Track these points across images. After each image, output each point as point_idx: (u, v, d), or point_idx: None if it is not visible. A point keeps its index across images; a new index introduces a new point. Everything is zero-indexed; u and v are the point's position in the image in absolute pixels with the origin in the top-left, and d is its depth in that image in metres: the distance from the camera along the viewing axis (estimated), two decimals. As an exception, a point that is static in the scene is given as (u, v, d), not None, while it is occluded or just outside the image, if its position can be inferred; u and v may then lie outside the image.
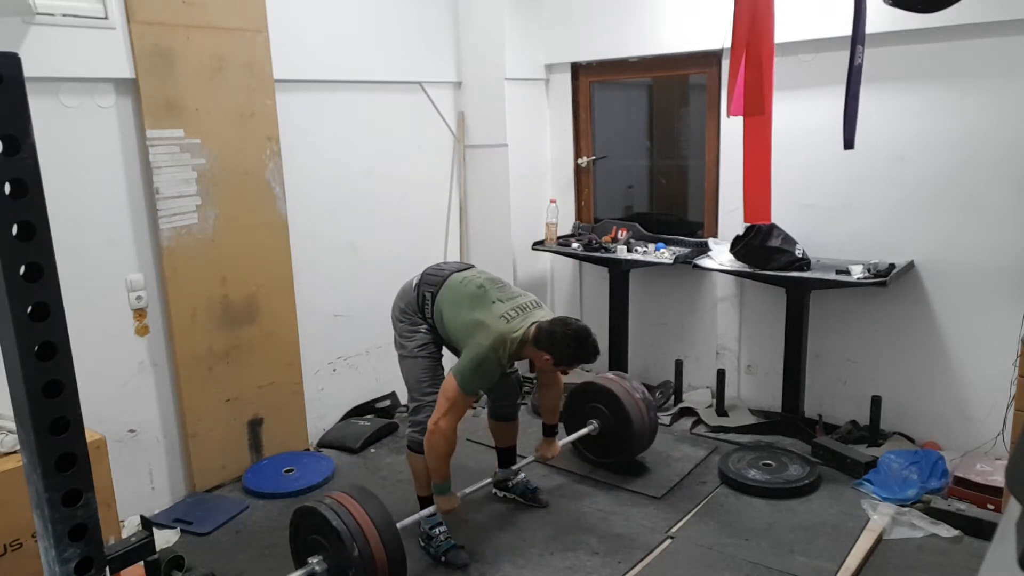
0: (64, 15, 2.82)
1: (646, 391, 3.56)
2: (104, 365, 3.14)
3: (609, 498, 3.35)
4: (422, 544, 2.97)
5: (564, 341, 2.69)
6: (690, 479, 3.48)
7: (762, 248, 3.59)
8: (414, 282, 3.03)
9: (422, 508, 3.00)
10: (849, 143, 2.74)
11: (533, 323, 2.77)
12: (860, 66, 2.66)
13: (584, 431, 3.50)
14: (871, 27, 2.69)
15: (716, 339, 4.24)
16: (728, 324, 4.17)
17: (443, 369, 3.01)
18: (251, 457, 3.67)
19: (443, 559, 2.88)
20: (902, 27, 3.21)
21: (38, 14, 2.74)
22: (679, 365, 4.20)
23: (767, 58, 2.71)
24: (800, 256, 3.56)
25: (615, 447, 3.51)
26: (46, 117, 2.85)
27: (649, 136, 4.83)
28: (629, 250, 4.19)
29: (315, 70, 3.78)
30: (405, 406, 4.21)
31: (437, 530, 2.94)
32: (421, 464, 2.94)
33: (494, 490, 3.39)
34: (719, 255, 3.84)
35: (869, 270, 3.39)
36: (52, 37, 2.81)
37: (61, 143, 2.90)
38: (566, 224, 4.72)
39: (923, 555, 2.84)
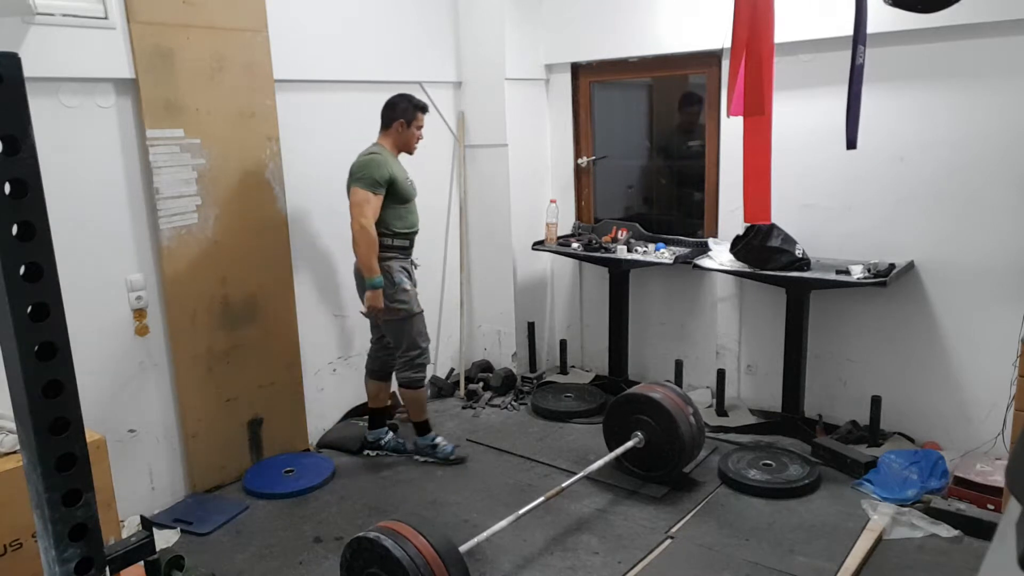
0: (64, 15, 2.82)
1: (692, 400, 3.45)
2: (104, 365, 3.14)
3: (609, 498, 3.35)
4: (427, 459, 3.74)
5: (399, 100, 3.55)
6: (690, 479, 3.48)
7: (762, 248, 3.59)
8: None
9: (418, 432, 3.78)
10: (852, 143, 2.74)
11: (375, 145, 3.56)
12: (862, 66, 2.66)
13: (629, 444, 3.38)
14: (871, 27, 2.69)
15: (716, 339, 4.24)
16: (728, 324, 4.17)
17: None
18: (251, 457, 3.67)
19: (452, 458, 3.72)
20: (902, 27, 3.21)
21: (38, 14, 2.74)
22: (679, 365, 4.20)
23: (767, 58, 2.70)
24: (800, 256, 3.57)
25: (663, 460, 3.36)
26: (46, 117, 2.85)
27: (649, 136, 4.83)
28: (629, 250, 4.19)
29: (315, 70, 3.78)
30: (404, 407, 4.23)
31: (439, 440, 3.76)
32: (422, 396, 3.73)
33: (366, 452, 3.84)
34: (719, 255, 3.84)
35: (869, 270, 3.39)
36: (52, 37, 2.81)
37: (61, 143, 2.90)
38: (566, 224, 4.72)
39: (923, 555, 2.84)
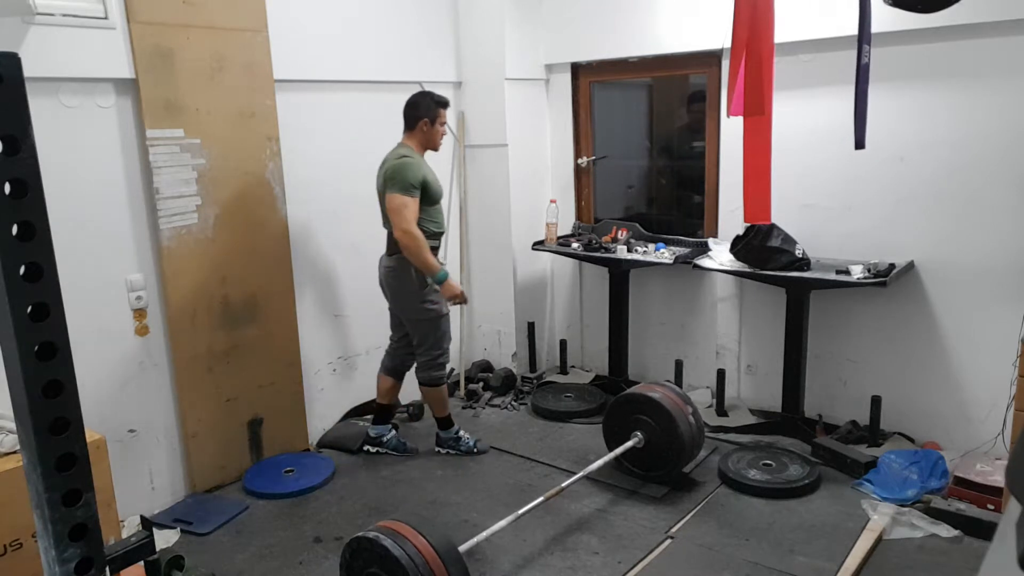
0: (64, 15, 2.82)
1: (691, 400, 3.46)
2: (104, 365, 3.14)
3: (609, 498, 3.35)
4: (449, 451, 3.83)
5: (420, 99, 3.57)
6: (690, 479, 3.48)
7: (762, 248, 3.59)
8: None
9: (441, 427, 3.85)
10: (860, 143, 2.73)
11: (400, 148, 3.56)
12: (867, 65, 2.65)
13: (628, 444, 3.37)
14: (871, 27, 2.69)
15: (716, 339, 4.24)
16: (728, 324, 4.17)
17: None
18: (251, 457, 3.67)
19: (475, 451, 3.81)
20: (902, 27, 3.20)
21: (38, 14, 2.74)
22: (679, 365, 4.20)
23: (767, 58, 2.70)
24: (800, 256, 3.56)
25: (662, 460, 3.36)
26: (46, 117, 2.85)
27: (649, 136, 4.83)
28: (629, 250, 4.19)
29: (315, 70, 3.78)
30: (405, 407, 4.24)
31: (462, 433, 3.85)
32: (443, 393, 3.77)
33: (366, 448, 3.86)
34: (719, 255, 3.84)
35: (869, 270, 3.39)
36: (52, 37, 2.81)
37: (61, 143, 2.90)
38: (566, 224, 4.72)
39: (923, 555, 2.84)
